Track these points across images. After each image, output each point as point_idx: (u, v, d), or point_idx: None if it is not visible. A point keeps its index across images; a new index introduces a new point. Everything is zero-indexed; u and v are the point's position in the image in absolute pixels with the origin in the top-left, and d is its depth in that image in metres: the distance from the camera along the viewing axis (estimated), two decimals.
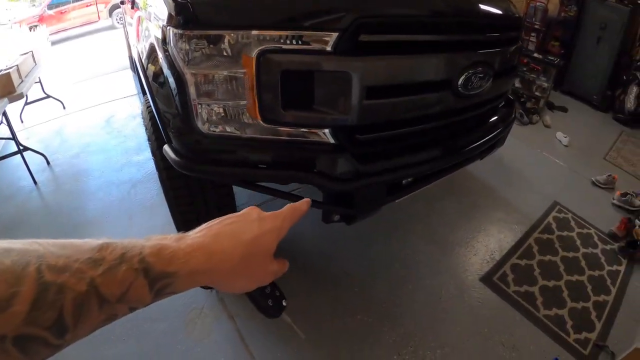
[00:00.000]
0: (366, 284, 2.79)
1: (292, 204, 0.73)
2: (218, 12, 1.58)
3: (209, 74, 1.58)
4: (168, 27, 1.59)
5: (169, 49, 1.61)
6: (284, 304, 0.77)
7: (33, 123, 4.86)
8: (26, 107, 4.95)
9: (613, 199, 3.88)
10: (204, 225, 0.62)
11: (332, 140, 1.77)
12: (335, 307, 2.62)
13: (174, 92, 1.68)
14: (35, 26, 7.36)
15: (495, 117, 2.55)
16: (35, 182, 3.71)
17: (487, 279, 2.92)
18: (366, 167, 1.88)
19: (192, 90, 1.61)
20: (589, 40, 5.67)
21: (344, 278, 2.82)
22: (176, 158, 1.79)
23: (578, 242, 3.37)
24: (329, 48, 1.56)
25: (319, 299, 2.66)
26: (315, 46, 1.56)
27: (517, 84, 5.63)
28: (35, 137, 4.55)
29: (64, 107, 5.27)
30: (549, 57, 5.45)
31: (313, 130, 1.73)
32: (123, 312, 0.49)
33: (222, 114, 1.67)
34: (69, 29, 11.08)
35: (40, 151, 4.00)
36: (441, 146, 2.13)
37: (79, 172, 3.88)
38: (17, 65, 3.64)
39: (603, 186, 4.07)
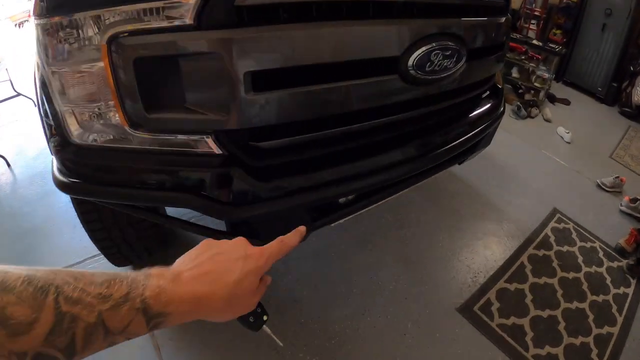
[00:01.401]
0: (316, 313, 2.14)
1: (282, 237, 0.73)
2: None
3: (70, 71, 1.13)
4: (34, 19, 1.16)
5: (36, 46, 1.20)
6: (264, 318, 0.75)
7: (1, 123, 4.23)
8: None
9: (621, 205, 3.26)
10: (194, 255, 0.63)
11: (218, 151, 1.20)
12: (274, 341, 1.94)
13: (44, 97, 1.25)
14: (26, 21, 6.67)
15: (477, 111, 1.83)
16: None
17: (466, 308, 2.25)
18: (268, 185, 1.27)
19: (56, 92, 1.18)
20: (594, 28, 5.03)
21: (290, 306, 2.17)
22: (58, 176, 1.31)
23: (580, 260, 2.70)
24: (188, 20, 1.03)
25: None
26: (171, 20, 1.03)
27: (515, 74, 4.91)
28: (2, 137, 3.95)
29: (35, 105, 4.57)
30: (550, 45, 4.67)
31: (193, 138, 1.19)
32: (121, 340, 0.51)
33: (92, 121, 1.19)
34: None
35: (2, 153, 3.47)
36: (392, 151, 1.44)
37: (35, 175, 3.32)
38: None
39: (609, 189, 3.45)
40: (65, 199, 2.89)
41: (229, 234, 1.40)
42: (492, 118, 1.88)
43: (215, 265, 0.61)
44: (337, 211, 1.49)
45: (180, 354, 1.92)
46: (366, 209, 1.57)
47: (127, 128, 1.15)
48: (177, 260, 0.63)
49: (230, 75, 1.06)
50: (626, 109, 4.92)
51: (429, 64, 1.32)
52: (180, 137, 1.18)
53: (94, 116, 1.17)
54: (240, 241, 0.68)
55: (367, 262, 2.41)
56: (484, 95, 1.92)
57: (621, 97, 5.02)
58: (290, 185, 1.28)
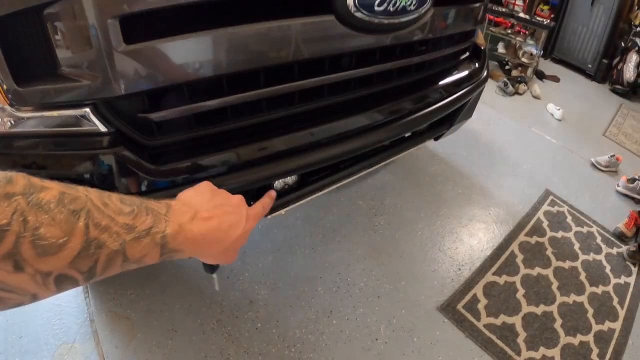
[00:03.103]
0: (274, 317, 1.78)
1: (262, 201, 0.76)
2: None
3: None
4: None
5: None
6: (218, 266, 0.84)
7: None
8: None
9: (618, 186, 2.93)
10: (207, 197, 0.64)
11: (102, 127, 0.90)
12: (225, 351, 1.66)
13: None
14: None
15: (454, 75, 1.44)
16: None
17: (448, 307, 1.89)
18: (165, 169, 0.93)
19: None
20: (583, 2, 4.61)
21: (245, 308, 1.80)
22: None
23: (576, 247, 2.34)
24: None
25: (205, 337, 1.70)
26: None
27: (501, 50, 4.53)
28: None
29: None
30: (538, 18, 4.26)
31: (74, 114, 0.89)
32: (134, 267, 0.51)
33: None
34: None
35: None
36: (338, 120, 1.04)
37: None
38: None
39: (605, 169, 3.11)
40: None
41: None
42: (473, 84, 1.50)
43: (222, 219, 0.63)
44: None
45: None
46: (313, 196, 1.19)
47: (6, 107, 0.88)
48: (188, 193, 0.64)
49: (91, 24, 0.77)
50: (617, 86, 4.55)
51: (378, 1, 0.94)
52: (61, 113, 0.89)
53: None
54: (241, 200, 0.69)
55: (334, 256, 2.03)
56: (462, 57, 1.54)
57: (612, 74, 4.65)
58: (195, 168, 0.91)
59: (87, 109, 0.86)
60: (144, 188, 0.93)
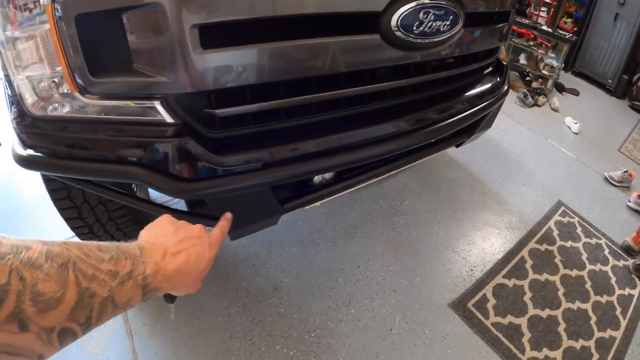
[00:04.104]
0: (297, 303, 1.93)
1: (220, 227, 0.82)
2: None
3: (20, 37, 0.98)
4: None
5: None
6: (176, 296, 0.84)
7: None
8: None
9: (629, 201, 3.00)
10: (169, 231, 0.67)
11: (169, 119, 1.03)
12: (249, 332, 1.79)
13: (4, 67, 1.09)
14: None
15: (477, 88, 1.59)
16: None
17: (459, 304, 2.02)
18: (225, 159, 1.06)
19: (10, 61, 1.03)
20: (606, 18, 4.66)
21: (269, 294, 1.95)
22: (16, 150, 1.13)
23: (584, 256, 2.45)
24: None
25: (230, 319, 1.83)
26: None
27: (523, 61, 4.61)
28: None
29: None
30: (561, 32, 4.35)
31: (143, 105, 1.03)
32: (121, 312, 0.53)
33: (44, 90, 1.04)
34: None
35: None
36: (374, 125, 1.21)
37: None
38: None
39: (617, 184, 3.19)
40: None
41: (185, 214, 1.21)
42: (494, 97, 1.64)
43: (189, 252, 0.66)
44: (311, 192, 1.27)
45: (153, 339, 1.74)
46: (346, 191, 1.35)
47: (75, 95, 0.99)
48: (152, 232, 0.68)
49: (173, 29, 0.90)
50: (636, 103, 4.59)
51: (417, 23, 1.10)
52: (130, 103, 1.02)
53: (44, 84, 1.03)
54: (201, 229, 0.72)
55: (355, 250, 2.18)
56: (485, 72, 1.68)
57: (631, 90, 4.69)
58: (251, 160, 1.07)
59: (157, 102, 1.00)
60: (192, 175, 1.08)
